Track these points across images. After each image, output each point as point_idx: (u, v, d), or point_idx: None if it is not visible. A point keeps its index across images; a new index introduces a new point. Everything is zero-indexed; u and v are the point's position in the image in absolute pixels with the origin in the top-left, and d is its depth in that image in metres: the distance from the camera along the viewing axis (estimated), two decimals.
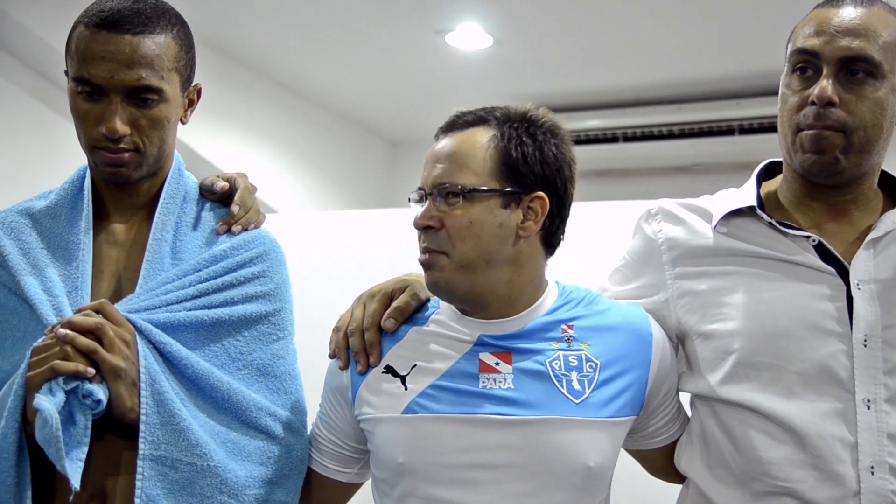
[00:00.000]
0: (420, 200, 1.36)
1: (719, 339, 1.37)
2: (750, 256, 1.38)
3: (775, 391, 1.32)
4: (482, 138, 1.33)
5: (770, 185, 1.45)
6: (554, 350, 1.34)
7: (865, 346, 1.30)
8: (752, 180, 1.44)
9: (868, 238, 1.34)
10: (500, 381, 1.32)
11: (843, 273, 1.33)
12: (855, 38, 1.28)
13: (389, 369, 1.37)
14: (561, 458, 1.30)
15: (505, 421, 1.30)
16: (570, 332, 1.36)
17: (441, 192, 1.32)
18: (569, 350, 1.34)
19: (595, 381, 1.33)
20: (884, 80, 1.29)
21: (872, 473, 1.27)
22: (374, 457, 1.39)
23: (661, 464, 1.51)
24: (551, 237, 1.37)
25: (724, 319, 1.37)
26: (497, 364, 1.33)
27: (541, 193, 1.33)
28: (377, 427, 1.36)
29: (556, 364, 1.33)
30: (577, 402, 1.31)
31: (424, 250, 1.34)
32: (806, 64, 1.32)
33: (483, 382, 1.32)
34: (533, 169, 1.32)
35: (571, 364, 1.33)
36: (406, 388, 1.34)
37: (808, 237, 1.35)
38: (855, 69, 1.29)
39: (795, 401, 1.31)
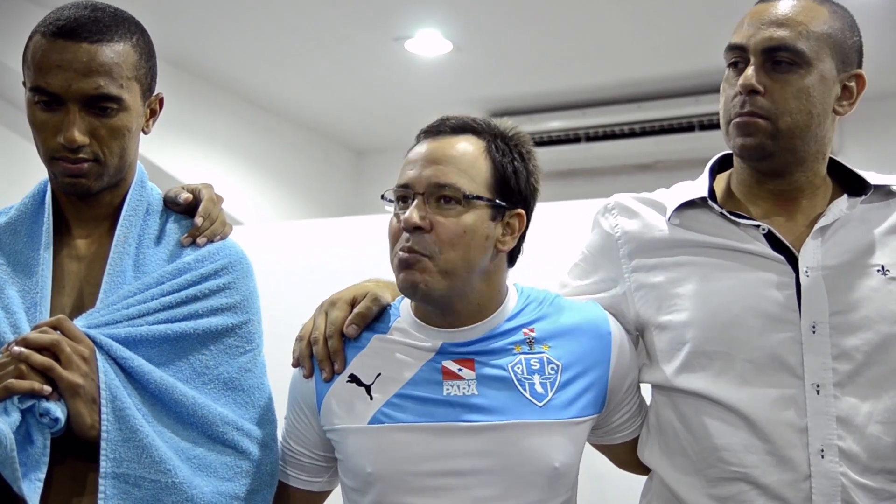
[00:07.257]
0: (404, 200, 1.32)
1: (674, 329, 1.39)
2: (702, 246, 1.40)
3: (728, 379, 1.34)
4: (476, 147, 1.33)
5: (723, 178, 1.48)
6: (516, 354, 1.35)
7: (814, 332, 1.32)
8: (706, 173, 1.47)
9: (816, 226, 1.37)
10: (463, 388, 1.33)
11: (793, 261, 1.36)
12: (778, 28, 1.33)
13: (354, 378, 1.36)
14: (527, 462, 1.31)
15: (470, 427, 1.31)
16: (532, 334, 1.37)
17: (436, 195, 1.30)
18: (530, 353, 1.35)
19: (557, 382, 1.34)
20: (809, 68, 1.33)
21: (822, 457, 1.29)
22: (343, 466, 1.39)
23: (627, 457, 1.53)
24: (516, 253, 1.39)
25: (679, 310, 1.39)
26: (460, 370, 1.34)
27: (521, 211, 1.35)
28: (345, 438, 1.36)
29: (519, 368, 1.34)
30: (540, 405, 1.32)
31: (408, 250, 1.30)
32: (737, 58, 1.37)
33: (447, 389, 1.33)
34: (520, 186, 1.34)
35: (533, 367, 1.34)
36: (371, 398, 1.35)
37: (759, 226, 1.38)
38: (778, 59, 1.33)
39: (747, 388, 1.33)
